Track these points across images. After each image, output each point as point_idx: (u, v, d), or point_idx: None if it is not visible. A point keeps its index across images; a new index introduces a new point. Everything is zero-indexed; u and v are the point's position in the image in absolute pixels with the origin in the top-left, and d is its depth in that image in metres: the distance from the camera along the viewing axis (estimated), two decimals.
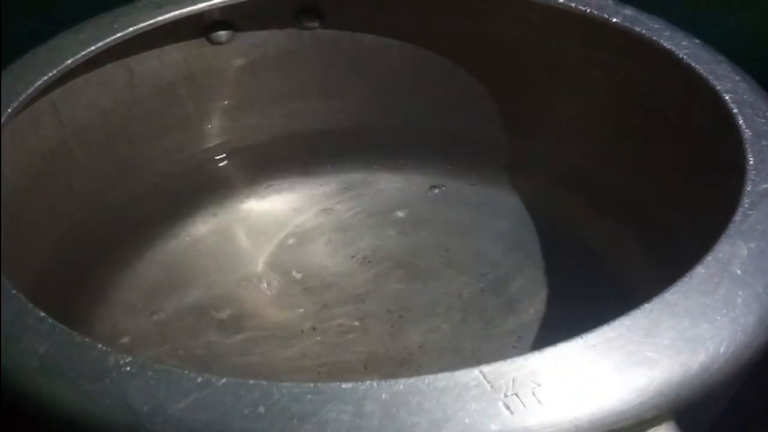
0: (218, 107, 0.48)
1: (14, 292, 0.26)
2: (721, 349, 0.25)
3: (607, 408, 0.24)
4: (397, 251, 0.45)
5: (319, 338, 0.40)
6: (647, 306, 0.26)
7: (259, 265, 0.45)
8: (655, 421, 0.24)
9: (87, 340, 0.24)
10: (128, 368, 0.24)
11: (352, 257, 0.45)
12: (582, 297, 0.41)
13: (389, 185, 0.49)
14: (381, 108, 0.50)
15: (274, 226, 0.47)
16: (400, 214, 0.47)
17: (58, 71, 0.36)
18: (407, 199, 0.48)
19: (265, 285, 0.43)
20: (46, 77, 0.36)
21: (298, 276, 0.44)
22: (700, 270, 0.27)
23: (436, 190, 0.49)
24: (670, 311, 0.26)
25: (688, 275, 0.27)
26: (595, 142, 0.45)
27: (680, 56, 0.37)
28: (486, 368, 0.24)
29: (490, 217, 0.47)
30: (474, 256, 0.44)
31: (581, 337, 0.25)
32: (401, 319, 0.41)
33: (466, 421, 0.23)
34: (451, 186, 0.49)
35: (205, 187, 0.48)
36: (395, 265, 0.44)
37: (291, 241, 0.46)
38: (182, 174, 0.47)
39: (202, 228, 0.47)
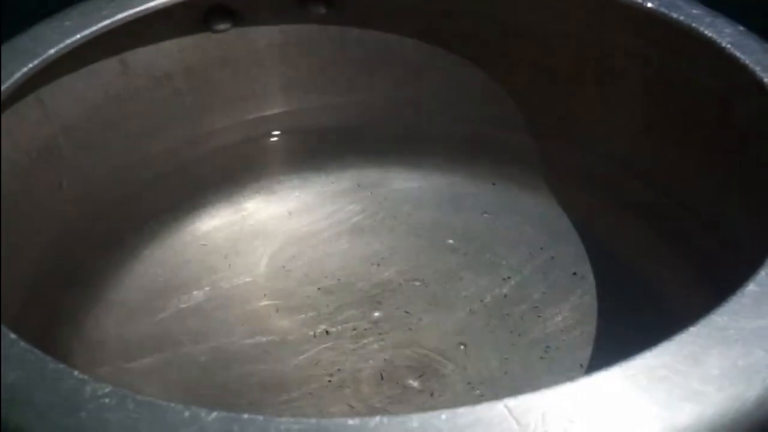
0: (219, 100, 0.46)
1: None
2: None
3: None
4: (414, 252, 0.43)
5: (331, 343, 0.38)
6: (693, 330, 0.23)
7: (269, 264, 0.43)
8: None
9: (62, 366, 0.22)
10: (107, 400, 0.21)
11: (367, 258, 0.43)
12: (611, 304, 0.39)
13: (405, 184, 0.47)
14: (394, 103, 0.47)
15: (285, 224, 0.45)
16: (416, 214, 0.45)
17: (41, 61, 0.34)
18: (423, 198, 0.46)
19: (276, 285, 0.41)
20: (26, 69, 0.34)
21: (311, 277, 0.42)
22: (752, 288, 0.24)
23: (455, 190, 0.46)
24: (720, 336, 0.23)
25: (738, 293, 0.24)
26: (624, 143, 0.43)
27: (723, 45, 0.34)
28: (512, 402, 0.21)
29: (512, 220, 0.44)
30: (495, 259, 0.42)
31: (620, 366, 0.22)
32: (420, 323, 0.39)
33: None
34: (470, 185, 0.46)
35: (209, 183, 0.46)
36: (412, 267, 0.42)
37: (303, 240, 0.44)
38: (183, 169, 0.45)
39: (208, 225, 0.44)
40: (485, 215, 0.44)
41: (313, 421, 0.21)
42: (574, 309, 0.39)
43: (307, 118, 0.48)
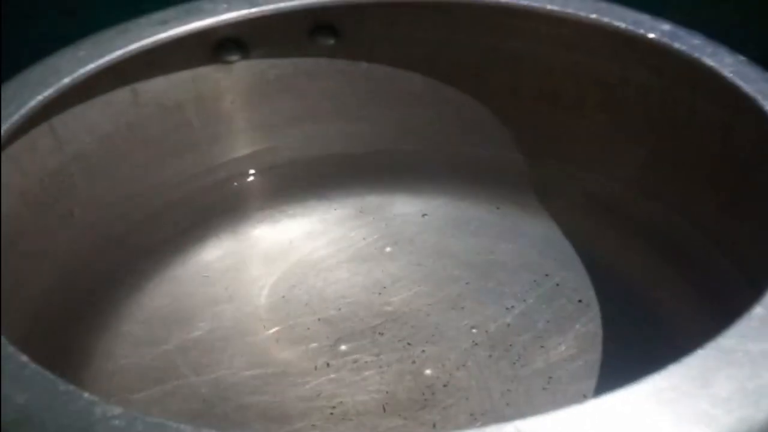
0: (228, 130, 0.46)
1: None
2: None
3: None
4: (417, 281, 0.43)
5: (333, 375, 0.38)
6: (701, 352, 0.23)
7: (271, 294, 0.42)
8: None
9: (72, 388, 0.22)
10: (116, 422, 0.21)
11: (369, 286, 0.42)
12: (616, 331, 0.39)
13: (407, 209, 0.47)
14: (399, 131, 0.48)
15: (287, 253, 0.44)
16: (418, 240, 0.45)
17: (54, 91, 0.35)
18: (426, 223, 0.46)
19: (277, 316, 0.41)
20: (41, 97, 0.34)
21: (312, 306, 0.42)
22: (759, 311, 0.24)
23: (458, 215, 0.46)
24: (728, 359, 0.23)
25: (746, 316, 0.24)
26: (628, 169, 0.43)
27: (725, 74, 0.35)
28: (522, 424, 0.21)
29: (515, 245, 0.44)
30: (498, 287, 0.42)
31: (628, 388, 0.22)
32: (422, 354, 0.39)
33: None
34: (473, 211, 0.46)
35: (214, 213, 0.46)
36: (415, 295, 0.42)
37: (305, 269, 0.44)
38: (190, 199, 0.45)
39: (212, 255, 0.44)
40: (489, 241, 0.44)
41: None
42: (578, 338, 0.39)
43: (314, 147, 0.48)
